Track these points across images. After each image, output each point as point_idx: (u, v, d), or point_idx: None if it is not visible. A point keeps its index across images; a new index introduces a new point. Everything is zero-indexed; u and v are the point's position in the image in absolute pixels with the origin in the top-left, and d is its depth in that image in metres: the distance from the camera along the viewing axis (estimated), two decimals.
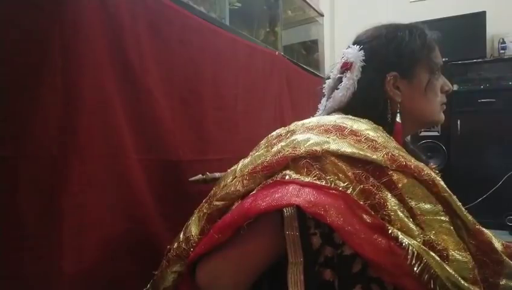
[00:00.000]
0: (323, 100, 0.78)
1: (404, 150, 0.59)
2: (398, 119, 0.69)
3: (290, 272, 0.50)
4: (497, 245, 0.56)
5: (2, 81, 0.56)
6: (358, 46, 0.72)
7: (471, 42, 2.81)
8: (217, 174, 0.89)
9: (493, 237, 0.58)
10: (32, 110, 0.58)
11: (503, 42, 2.87)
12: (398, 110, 0.69)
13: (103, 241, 0.67)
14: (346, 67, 0.72)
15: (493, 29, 2.88)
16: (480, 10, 2.82)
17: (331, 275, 0.50)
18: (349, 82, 0.70)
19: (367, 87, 0.70)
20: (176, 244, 0.63)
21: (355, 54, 0.71)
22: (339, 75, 0.74)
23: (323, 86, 0.79)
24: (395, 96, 0.69)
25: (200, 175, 0.88)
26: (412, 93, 0.70)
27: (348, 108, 0.71)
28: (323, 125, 0.59)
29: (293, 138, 0.58)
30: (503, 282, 0.54)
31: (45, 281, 0.58)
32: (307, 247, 0.50)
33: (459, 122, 2.70)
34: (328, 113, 0.74)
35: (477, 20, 2.81)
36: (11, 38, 0.56)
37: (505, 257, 0.55)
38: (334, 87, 0.74)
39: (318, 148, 0.53)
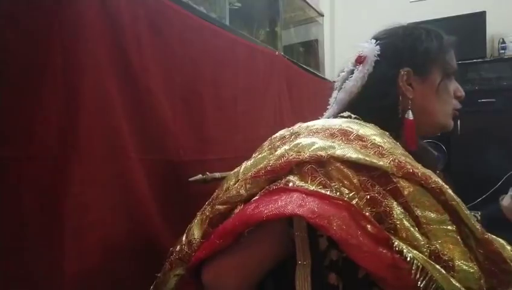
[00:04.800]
0: (335, 92, 0.78)
1: (410, 156, 0.58)
2: (410, 116, 0.68)
3: (298, 274, 0.50)
4: (509, 255, 0.55)
5: (3, 82, 0.56)
6: (375, 41, 0.73)
7: (471, 42, 2.80)
8: (217, 174, 0.89)
9: (505, 246, 0.56)
10: (33, 110, 0.58)
11: (503, 42, 2.87)
12: (409, 107, 0.69)
13: (104, 241, 0.67)
14: (359, 60, 0.72)
15: (493, 29, 2.88)
16: (480, 10, 2.82)
17: (335, 279, 0.50)
18: (359, 75, 0.70)
19: (378, 80, 0.70)
20: (178, 247, 0.62)
21: (370, 48, 0.71)
22: (351, 68, 0.74)
23: (337, 78, 0.79)
24: (407, 92, 0.69)
25: (200, 175, 0.88)
26: (424, 92, 0.70)
27: (358, 101, 0.71)
28: (328, 129, 0.58)
29: (297, 141, 0.57)
30: None
31: (47, 281, 0.58)
32: (314, 248, 0.50)
33: (459, 122, 2.69)
34: (339, 106, 0.74)
35: (477, 20, 2.81)
36: (12, 38, 0.56)
37: None
38: (346, 79, 0.74)
39: (323, 153, 0.52)
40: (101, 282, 0.66)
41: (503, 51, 2.85)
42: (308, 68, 2.05)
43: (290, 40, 2.30)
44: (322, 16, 2.58)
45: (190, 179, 0.87)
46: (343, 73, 0.77)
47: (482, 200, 2.49)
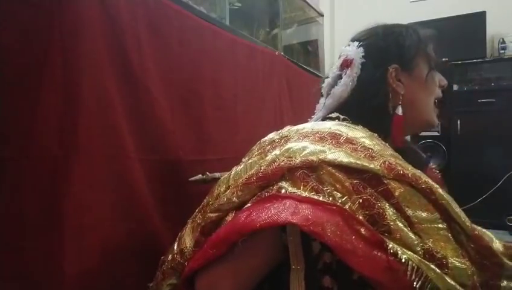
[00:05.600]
0: (322, 99, 0.78)
1: (400, 157, 0.59)
2: (399, 112, 0.68)
3: (292, 279, 0.50)
4: (497, 247, 0.56)
5: (3, 82, 0.56)
6: (357, 43, 0.72)
7: (471, 42, 2.81)
8: (217, 174, 0.89)
9: (493, 240, 0.57)
10: (33, 110, 0.58)
11: (503, 42, 2.87)
12: (399, 103, 0.69)
13: (104, 241, 0.67)
14: (346, 64, 0.72)
15: (493, 29, 2.89)
16: (480, 10, 2.82)
17: (330, 282, 0.50)
18: (348, 79, 0.70)
19: (368, 81, 0.70)
20: (170, 257, 0.62)
21: (354, 51, 0.71)
22: (338, 73, 0.74)
23: (322, 85, 0.79)
24: (398, 88, 0.69)
25: (200, 175, 0.88)
26: (413, 85, 0.71)
27: (348, 104, 0.71)
28: (318, 133, 0.58)
29: (288, 146, 0.56)
30: (503, 283, 0.53)
31: (46, 281, 0.58)
32: (308, 252, 0.50)
33: (459, 122, 2.70)
34: (328, 111, 0.74)
35: (477, 20, 2.82)
36: (11, 38, 0.56)
37: (505, 260, 0.54)
38: (333, 85, 0.74)
39: (314, 158, 0.52)
40: (100, 282, 0.66)
41: (503, 51, 2.86)
42: (308, 68, 2.05)
43: (290, 40, 2.30)
44: (322, 16, 2.58)
45: (190, 179, 0.87)
46: (328, 79, 0.77)
47: (482, 200, 2.49)
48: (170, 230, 0.79)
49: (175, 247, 0.62)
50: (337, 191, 0.50)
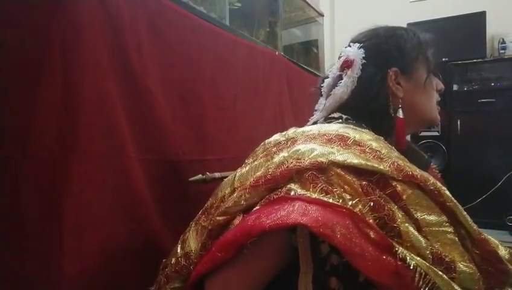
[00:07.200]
0: (321, 99, 0.78)
1: (406, 159, 0.59)
2: (401, 115, 0.69)
3: (301, 281, 0.50)
4: (503, 254, 0.55)
5: (2, 81, 0.56)
6: (358, 44, 0.72)
7: (471, 42, 2.81)
8: (217, 174, 0.89)
9: (499, 246, 0.57)
10: (33, 110, 0.58)
11: (503, 42, 2.86)
12: (399, 106, 0.70)
13: (103, 242, 0.67)
14: (346, 65, 0.72)
15: (493, 29, 2.88)
16: (480, 10, 2.82)
17: (336, 283, 0.50)
18: (349, 80, 0.70)
19: (368, 83, 0.70)
20: (173, 260, 0.61)
21: (355, 52, 0.71)
22: (338, 73, 0.74)
23: (322, 85, 0.79)
24: (397, 91, 0.70)
25: (200, 175, 0.88)
26: (412, 89, 0.72)
27: (348, 105, 0.71)
28: (325, 135, 0.58)
29: (295, 148, 0.56)
30: None
31: (45, 281, 0.58)
32: (316, 254, 0.50)
33: (459, 122, 2.69)
34: (328, 112, 0.74)
35: (477, 20, 2.81)
36: (11, 38, 0.56)
37: (510, 267, 0.54)
38: (334, 85, 0.74)
39: (323, 160, 0.52)
40: (100, 282, 0.66)
41: (503, 51, 2.85)
42: (308, 68, 2.05)
43: (290, 40, 2.30)
44: (322, 16, 2.57)
45: (190, 179, 0.87)
46: (328, 79, 0.77)
47: (482, 200, 2.49)
48: (170, 230, 0.79)
49: (178, 250, 0.61)
50: (347, 193, 0.50)
